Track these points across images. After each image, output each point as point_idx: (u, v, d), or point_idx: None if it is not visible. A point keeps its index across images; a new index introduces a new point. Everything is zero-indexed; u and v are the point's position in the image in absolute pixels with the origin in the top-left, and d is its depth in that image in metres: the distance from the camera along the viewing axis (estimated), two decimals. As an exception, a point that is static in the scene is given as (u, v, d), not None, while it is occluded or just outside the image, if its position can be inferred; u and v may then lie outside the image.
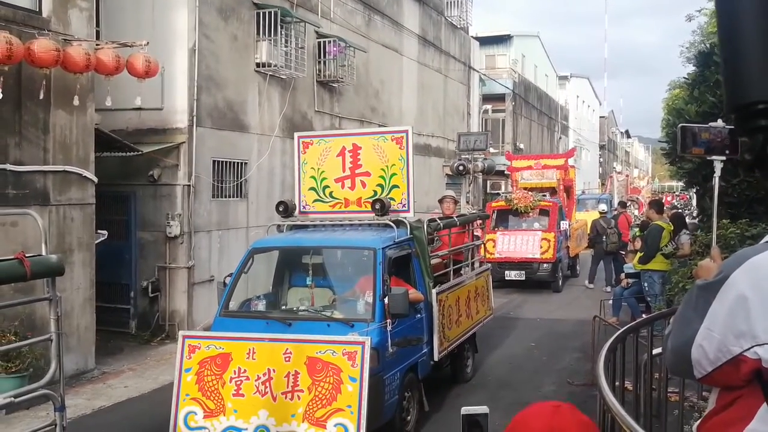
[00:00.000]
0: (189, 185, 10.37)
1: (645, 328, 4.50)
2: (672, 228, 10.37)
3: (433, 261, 7.23)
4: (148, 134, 10.34)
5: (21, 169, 7.60)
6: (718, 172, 2.97)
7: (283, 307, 6.55)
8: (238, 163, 11.49)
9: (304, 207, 7.33)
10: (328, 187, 7.21)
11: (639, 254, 10.41)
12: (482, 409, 1.86)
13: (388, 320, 5.67)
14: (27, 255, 3.41)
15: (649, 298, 10.18)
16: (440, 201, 9.10)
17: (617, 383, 3.93)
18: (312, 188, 7.27)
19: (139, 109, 9.45)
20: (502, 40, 31.82)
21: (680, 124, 2.58)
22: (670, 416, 4.47)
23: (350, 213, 7.12)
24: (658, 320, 4.68)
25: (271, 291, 6.92)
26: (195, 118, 10.39)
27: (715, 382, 1.72)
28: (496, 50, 31.49)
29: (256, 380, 5.08)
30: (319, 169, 7.24)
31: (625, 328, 4.18)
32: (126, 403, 7.56)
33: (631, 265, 11.27)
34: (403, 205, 7.01)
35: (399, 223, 6.79)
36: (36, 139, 7.80)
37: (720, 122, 3.19)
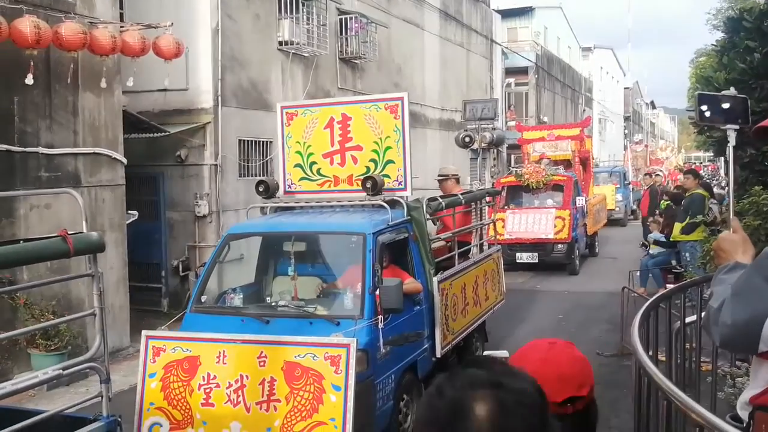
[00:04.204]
0: (216, 165, 10.48)
1: (678, 296, 4.48)
2: (709, 196, 10.31)
3: (436, 245, 6.41)
4: (174, 115, 10.44)
5: (52, 152, 7.74)
6: (732, 141, 2.90)
7: (262, 302, 5.79)
8: (263, 141, 11.56)
9: (289, 186, 6.56)
10: (316, 163, 6.42)
11: (680, 224, 10.11)
12: (503, 353, 1.94)
13: (380, 316, 4.92)
14: (69, 233, 3.50)
15: (684, 268, 10.09)
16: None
17: (650, 353, 3.93)
18: (298, 165, 6.49)
19: (165, 90, 9.53)
20: (523, 12, 31.38)
21: (697, 92, 2.51)
22: (703, 384, 4.48)
23: (340, 192, 6.33)
24: (691, 287, 4.66)
25: (251, 282, 6.20)
26: (220, 97, 10.46)
27: None
28: (518, 23, 31.06)
29: (227, 388, 4.43)
30: (305, 143, 6.44)
31: (659, 295, 4.17)
32: (162, 378, 7.73)
33: (661, 234, 11.12)
34: (399, 183, 6.17)
35: (394, 203, 5.96)
36: (66, 122, 7.93)
37: (732, 90, 3.08)
